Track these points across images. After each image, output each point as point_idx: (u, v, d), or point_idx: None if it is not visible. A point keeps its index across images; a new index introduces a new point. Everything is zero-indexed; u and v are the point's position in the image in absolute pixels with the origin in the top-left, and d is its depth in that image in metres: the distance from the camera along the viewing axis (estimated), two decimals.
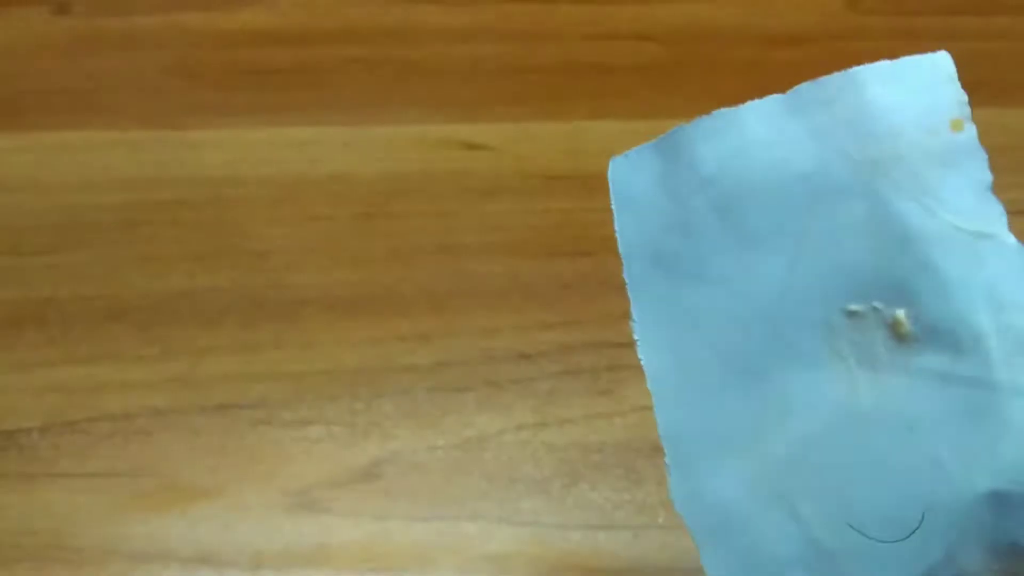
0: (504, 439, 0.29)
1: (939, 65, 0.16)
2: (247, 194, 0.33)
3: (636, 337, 0.17)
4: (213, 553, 0.27)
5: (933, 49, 0.41)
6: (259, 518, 0.28)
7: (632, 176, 0.17)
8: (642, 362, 0.16)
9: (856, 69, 0.16)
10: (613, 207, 0.17)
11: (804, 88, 0.16)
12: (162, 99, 0.36)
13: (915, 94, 0.16)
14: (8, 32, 0.37)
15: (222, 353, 0.30)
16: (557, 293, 0.32)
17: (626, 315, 0.31)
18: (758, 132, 0.16)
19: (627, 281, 0.17)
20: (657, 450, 0.29)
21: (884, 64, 0.16)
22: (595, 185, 0.35)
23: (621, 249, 0.17)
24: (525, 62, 0.37)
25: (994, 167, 0.38)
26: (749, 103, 0.16)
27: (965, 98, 0.15)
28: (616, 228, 0.17)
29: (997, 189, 0.36)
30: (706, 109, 0.40)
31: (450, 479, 0.28)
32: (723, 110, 0.16)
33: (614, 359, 0.30)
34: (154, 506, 0.28)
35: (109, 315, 0.31)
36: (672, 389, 0.16)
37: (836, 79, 0.16)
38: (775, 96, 0.16)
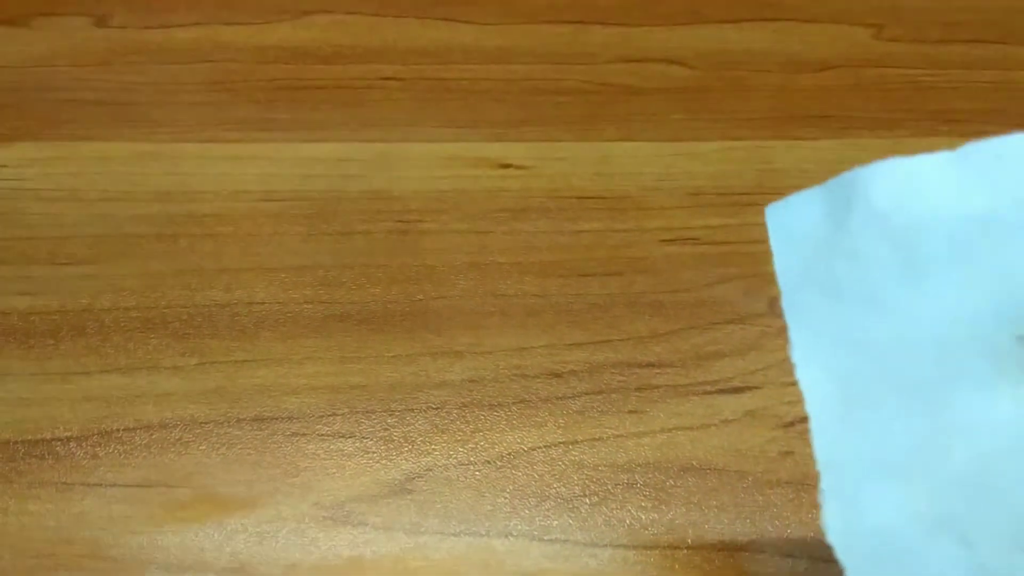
0: (534, 456, 0.29)
1: None
2: (283, 209, 0.34)
3: (795, 360, 0.17)
4: (248, 564, 0.28)
5: (956, 76, 0.41)
6: (294, 530, 0.28)
7: (794, 214, 0.18)
8: (801, 385, 0.16)
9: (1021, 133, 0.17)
10: (772, 243, 0.18)
11: (974, 146, 0.17)
12: (200, 112, 0.36)
13: None
14: (48, 43, 0.38)
15: (258, 366, 0.31)
16: (587, 313, 0.32)
17: (655, 335, 0.32)
18: (932, 176, 0.17)
19: (785, 307, 0.17)
20: (686, 471, 0.29)
21: None
22: (625, 206, 0.36)
23: (780, 280, 0.17)
24: (557, 84, 0.37)
25: None
26: (919, 155, 0.17)
27: None
28: (775, 261, 0.17)
29: None
30: (734, 132, 0.40)
31: (481, 495, 0.29)
32: (896, 158, 0.17)
33: (643, 379, 0.31)
34: (190, 517, 0.28)
35: (147, 326, 0.31)
36: (833, 412, 0.16)
37: (1007, 140, 0.17)
38: (944, 152, 0.17)
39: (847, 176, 0.17)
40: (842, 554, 0.16)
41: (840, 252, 0.17)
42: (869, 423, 0.16)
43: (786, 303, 0.17)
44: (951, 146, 0.37)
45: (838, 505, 0.16)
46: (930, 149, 0.37)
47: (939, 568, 0.16)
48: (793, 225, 0.18)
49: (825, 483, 0.16)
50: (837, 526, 0.16)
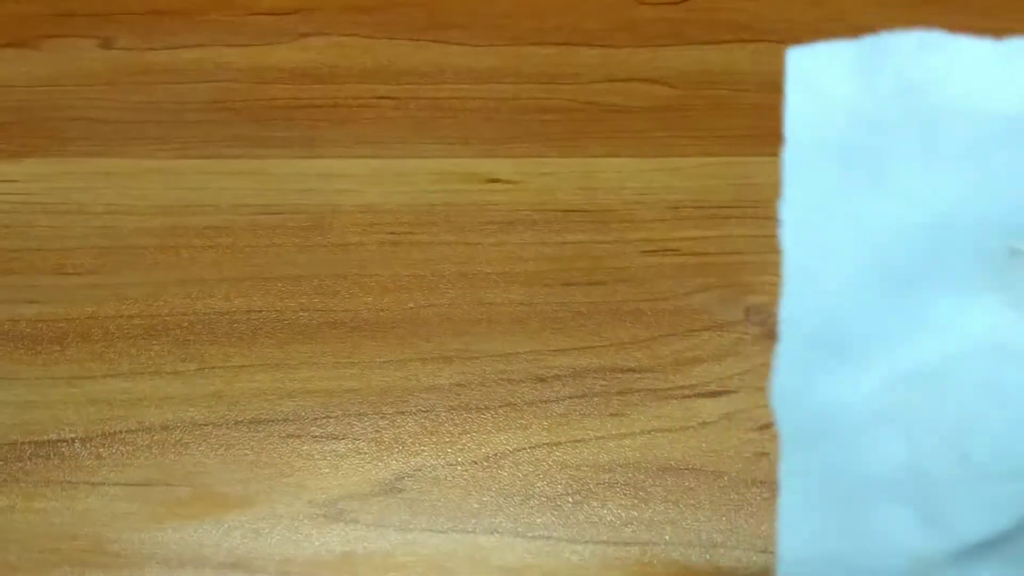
0: (520, 457, 0.31)
1: None
2: (281, 222, 0.35)
3: (783, 216, 0.16)
4: (244, 560, 0.29)
5: None
6: (288, 527, 0.29)
7: (819, 66, 0.16)
8: (783, 245, 0.16)
9: None
10: (788, 90, 0.16)
11: (1020, 41, 0.16)
12: (202, 130, 0.38)
13: None
14: (56, 64, 0.39)
15: (255, 371, 0.32)
16: (571, 320, 0.33)
17: (635, 342, 0.33)
18: (969, 60, 0.16)
19: (786, 163, 0.16)
20: (665, 471, 0.31)
21: None
22: (608, 219, 0.37)
23: (788, 130, 0.16)
24: (544, 102, 0.39)
25: None
26: (967, 36, 0.16)
27: None
28: (788, 111, 0.16)
29: None
30: (713, 149, 0.42)
31: (469, 494, 0.30)
32: (938, 32, 0.16)
33: (625, 383, 0.32)
34: (189, 515, 0.30)
35: (149, 333, 0.33)
36: (809, 278, 0.16)
37: None
38: (988, 39, 0.16)
39: (883, 37, 0.16)
40: (782, 422, 0.16)
41: (859, 117, 0.16)
42: (842, 299, 0.16)
43: (788, 158, 0.16)
44: None
45: (789, 372, 0.15)
46: None
47: (874, 457, 0.15)
48: (813, 76, 0.16)
49: (782, 347, 0.15)
50: (783, 393, 0.15)
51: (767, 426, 0.31)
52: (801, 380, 0.16)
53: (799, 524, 0.15)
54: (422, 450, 0.31)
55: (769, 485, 0.30)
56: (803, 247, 0.16)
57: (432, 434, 0.31)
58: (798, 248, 0.16)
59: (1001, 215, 0.16)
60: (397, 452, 0.31)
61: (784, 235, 0.16)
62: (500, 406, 0.32)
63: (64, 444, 0.31)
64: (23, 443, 0.31)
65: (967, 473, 0.15)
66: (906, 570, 0.15)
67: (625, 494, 0.30)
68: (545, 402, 0.32)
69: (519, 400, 0.32)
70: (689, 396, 0.32)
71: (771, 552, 0.29)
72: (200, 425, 0.31)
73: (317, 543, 0.29)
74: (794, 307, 0.16)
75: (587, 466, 0.31)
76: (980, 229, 0.16)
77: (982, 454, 0.15)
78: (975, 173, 0.16)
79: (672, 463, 0.31)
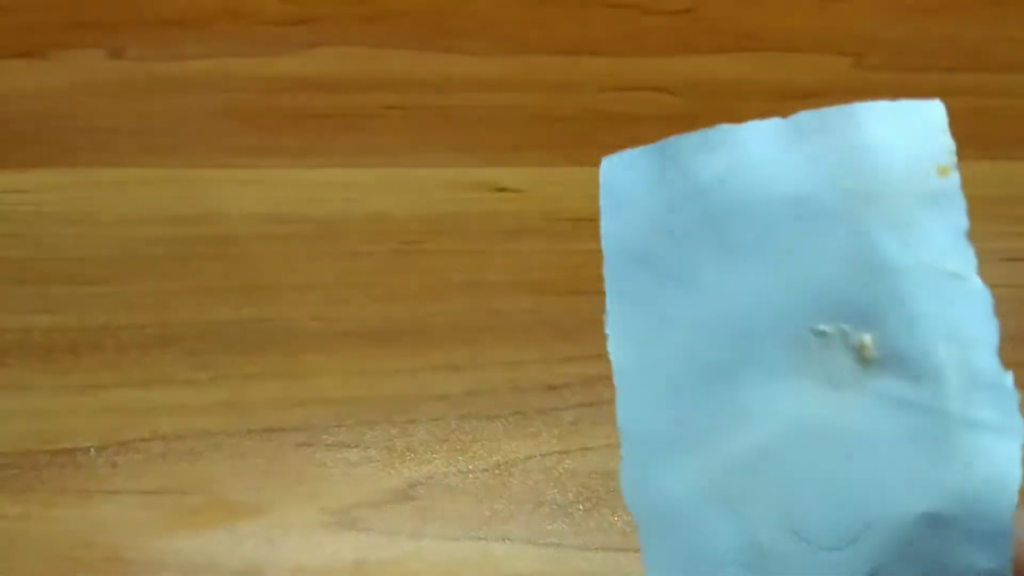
0: (530, 465, 0.31)
1: (933, 112, 0.16)
2: (290, 231, 0.36)
3: (608, 332, 0.17)
4: (257, 567, 0.29)
5: None
6: (301, 535, 0.30)
7: (625, 176, 0.18)
8: (611, 356, 0.17)
9: (856, 105, 0.17)
10: (601, 204, 0.18)
11: (805, 116, 0.17)
12: (210, 140, 0.38)
13: (908, 136, 0.16)
14: (65, 75, 0.40)
15: (267, 379, 0.32)
16: (580, 328, 0.34)
17: None
18: (756, 151, 0.17)
19: (606, 277, 0.18)
20: None
21: (883, 104, 0.17)
22: None
23: (604, 246, 0.18)
24: (552, 111, 0.39)
25: (990, 217, 0.40)
26: (751, 122, 0.17)
27: (953, 146, 0.16)
28: (602, 225, 0.18)
29: (992, 238, 0.38)
30: None
31: (480, 501, 0.30)
32: (726, 125, 0.17)
33: None
34: (203, 522, 0.30)
35: (161, 342, 0.33)
36: (637, 385, 0.17)
37: (836, 112, 0.17)
38: (776, 119, 0.17)
39: (672, 141, 0.17)
40: (636, 516, 0.17)
41: (660, 226, 0.17)
42: (668, 398, 0.17)
43: (607, 270, 0.18)
44: None
45: (634, 472, 0.17)
46: None
47: (716, 540, 0.17)
48: (622, 188, 0.18)
49: (624, 451, 0.17)
50: (632, 491, 0.17)
51: None
52: (642, 475, 0.17)
53: None
54: (433, 458, 0.31)
55: None
56: (625, 355, 0.17)
57: (443, 442, 0.31)
58: (621, 357, 0.17)
59: (802, 297, 0.16)
60: (409, 460, 0.31)
61: (609, 344, 0.17)
62: (510, 414, 0.32)
63: (79, 453, 0.31)
64: (38, 452, 0.31)
65: (799, 546, 0.16)
66: None
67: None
68: (555, 410, 0.32)
69: (529, 408, 0.32)
70: None
71: None
72: (213, 434, 0.31)
73: (329, 551, 0.29)
74: (628, 413, 0.17)
75: (597, 473, 0.31)
76: (784, 314, 0.17)
77: (810, 529, 0.16)
78: (769, 261, 0.17)
79: None
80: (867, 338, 0.16)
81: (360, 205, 0.36)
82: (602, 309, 0.34)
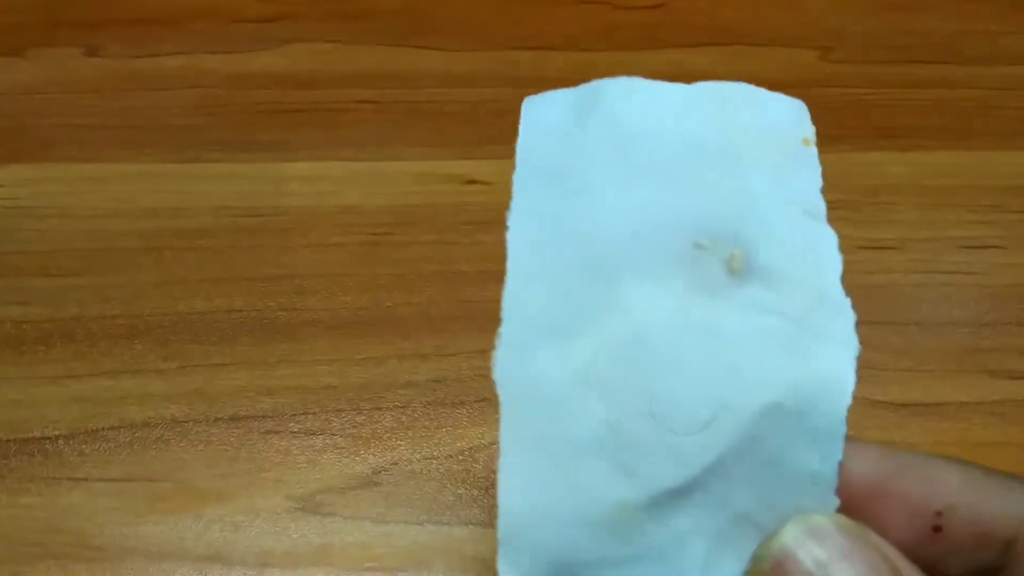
0: (494, 450, 0.31)
1: (800, 106, 0.20)
2: (262, 224, 0.36)
3: (508, 224, 0.19)
4: (224, 553, 0.29)
5: (899, 95, 0.43)
6: (267, 521, 0.30)
7: (545, 108, 0.20)
8: (508, 249, 0.19)
9: (750, 85, 0.20)
10: (520, 128, 0.20)
11: (709, 84, 0.20)
12: (184, 135, 0.38)
13: (783, 113, 0.20)
14: (42, 71, 0.40)
15: (236, 369, 0.33)
16: None
17: None
18: (665, 99, 0.20)
19: (515, 184, 0.19)
20: None
21: (765, 90, 0.20)
22: None
23: (518, 159, 0.19)
24: (521, 105, 0.39)
25: (952, 206, 0.41)
26: (664, 82, 0.20)
27: (814, 131, 0.20)
28: (518, 144, 0.20)
29: (953, 226, 0.39)
30: None
31: (444, 487, 0.31)
32: (640, 78, 0.20)
33: None
34: (170, 509, 0.30)
35: (132, 332, 0.33)
36: (525, 272, 0.19)
37: (733, 85, 0.20)
38: (687, 84, 0.20)
39: (596, 83, 0.20)
40: (501, 391, 0.18)
41: (573, 145, 0.19)
42: (552, 286, 0.19)
43: (517, 177, 0.19)
44: (893, 160, 0.39)
45: (509, 350, 0.18)
46: (872, 163, 0.39)
47: (577, 422, 0.18)
48: (542, 117, 0.20)
49: (503, 330, 0.19)
50: (503, 367, 0.18)
51: None
52: (518, 356, 0.18)
53: (516, 480, 0.18)
54: (398, 444, 0.31)
55: None
56: (520, 244, 0.19)
57: (408, 429, 0.32)
58: (516, 245, 0.19)
59: (685, 215, 0.19)
60: (374, 447, 0.31)
61: (508, 238, 0.19)
62: (476, 401, 0.32)
63: (48, 441, 0.31)
64: (8, 441, 0.31)
65: (655, 430, 0.18)
66: (608, 517, 0.18)
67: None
68: None
69: (494, 395, 0.32)
70: None
71: None
72: (181, 422, 0.32)
73: (295, 535, 0.30)
74: (514, 296, 0.19)
75: None
76: (668, 228, 0.19)
77: (667, 413, 0.18)
78: (661, 183, 0.19)
79: None
80: (737, 252, 0.19)
81: (331, 198, 0.37)
82: None
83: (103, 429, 0.31)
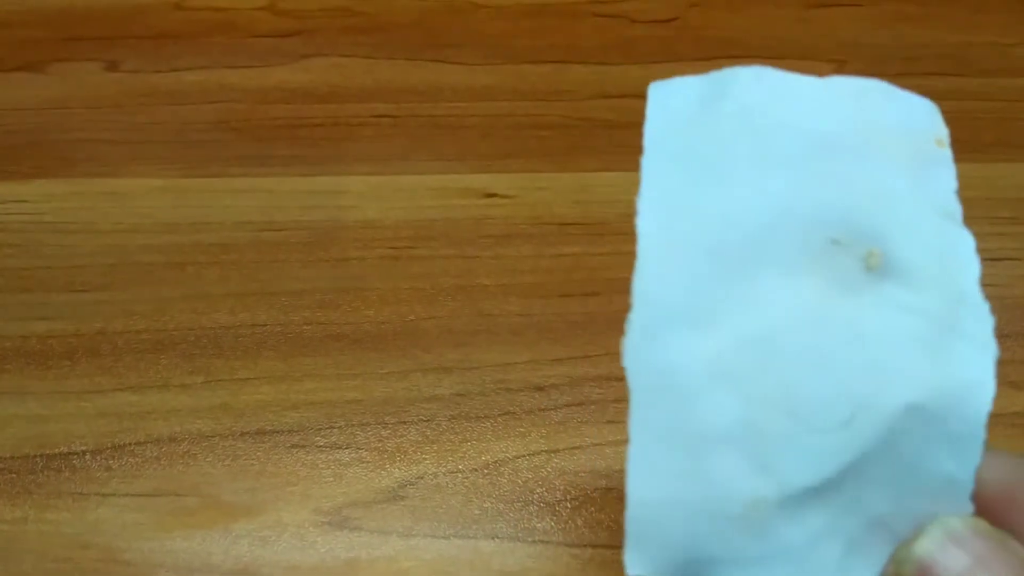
0: (519, 464, 0.32)
1: (931, 105, 0.20)
2: (284, 238, 0.36)
3: (639, 207, 0.18)
4: (251, 567, 0.30)
5: None
6: (294, 535, 0.30)
7: (673, 93, 0.19)
8: (639, 230, 0.18)
9: (885, 83, 0.20)
10: (648, 111, 0.19)
11: (839, 78, 0.19)
12: (206, 150, 0.39)
13: (915, 113, 0.20)
14: (63, 87, 0.40)
15: (261, 383, 0.33)
16: (568, 330, 0.34)
17: None
18: (795, 90, 0.19)
19: (643, 167, 0.19)
20: None
21: (897, 88, 0.20)
22: (603, 231, 0.38)
23: (646, 140, 0.19)
24: (539, 119, 0.40)
25: (969, 218, 0.41)
26: (793, 73, 0.19)
27: (947, 131, 0.19)
28: (645, 126, 0.19)
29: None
30: None
31: (469, 500, 0.31)
32: (770, 68, 0.19)
33: (621, 391, 0.33)
34: (198, 523, 0.30)
35: (157, 347, 0.34)
36: (658, 258, 0.18)
37: (870, 81, 0.20)
38: (819, 77, 0.19)
39: (728, 71, 0.19)
40: (632, 379, 0.18)
41: (704, 132, 0.19)
42: (687, 275, 0.18)
43: (645, 161, 0.19)
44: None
45: (641, 336, 0.18)
46: None
47: (711, 414, 0.17)
48: (670, 103, 0.19)
49: (634, 315, 0.18)
50: (635, 354, 0.18)
51: None
52: (650, 343, 0.18)
53: (646, 471, 0.17)
54: (423, 458, 0.32)
55: None
56: (654, 233, 0.18)
57: (433, 443, 0.32)
58: (650, 234, 0.18)
59: (823, 210, 0.18)
60: (399, 460, 0.31)
61: (639, 223, 0.18)
62: (499, 415, 0.32)
63: (75, 457, 0.32)
64: (35, 456, 0.31)
65: (793, 427, 0.17)
66: (740, 514, 0.17)
67: (622, 499, 0.31)
68: (543, 410, 0.33)
69: (518, 409, 0.32)
70: None
71: None
72: (207, 436, 0.32)
73: (322, 550, 0.30)
74: (647, 281, 0.18)
75: (585, 472, 0.31)
76: (805, 221, 0.18)
77: (806, 409, 0.17)
78: (799, 176, 0.19)
79: None
80: (876, 250, 0.18)
81: (352, 212, 0.37)
82: (589, 312, 0.35)
83: (129, 444, 0.32)
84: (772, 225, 0.18)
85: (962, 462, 0.17)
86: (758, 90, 0.19)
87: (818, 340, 0.18)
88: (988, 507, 0.18)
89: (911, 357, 0.18)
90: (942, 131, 0.19)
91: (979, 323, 0.18)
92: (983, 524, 0.18)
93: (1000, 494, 0.18)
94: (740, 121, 0.19)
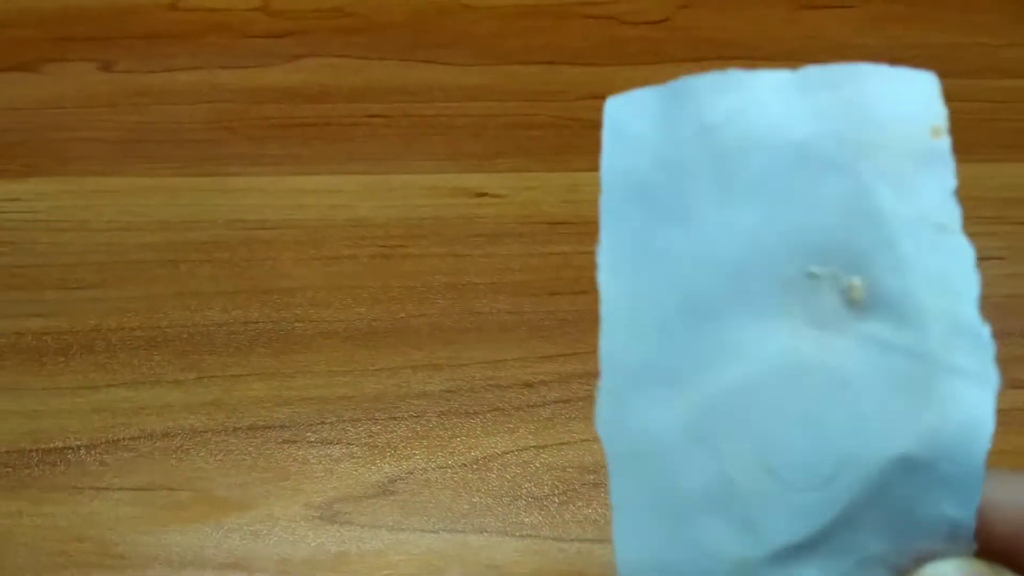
0: (507, 459, 0.32)
1: (928, 81, 0.17)
2: (276, 236, 0.37)
3: (600, 262, 0.17)
4: (243, 560, 0.30)
5: None
6: (285, 529, 0.31)
7: (630, 114, 0.18)
8: (600, 287, 0.17)
9: (861, 64, 0.17)
10: (603, 140, 0.18)
11: (813, 69, 0.17)
12: (198, 149, 0.39)
13: (906, 97, 0.17)
14: (58, 86, 0.41)
15: (253, 379, 0.33)
16: (557, 328, 0.35)
17: None
18: (764, 96, 0.17)
19: (602, 210, 0.17)
20: None
21: (885, 67, 0.17)
22: (592, 230, 0.38)
23: (603, 179, 0.17)
24: (530, 119, 0.40)
25: (965, 218, 0.42)
26: (761, 71, 0.17)
27: (946, 112, 0.17)
28: (602, 160, 0.17)
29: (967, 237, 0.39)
30: None
31: (458, 495, 0.31)
32: (736, 71, 0.17)
33: None
34: (190, 517, 0.31)
35: (150, 344, 0.34)
36: (624, 317, 0.17)
37: (843, 68, 0.17)
38: (786, 70, 0.17)
39: (683, 82, 0.17)
40: (607, 447, 0.17)
41: (661, 161, 0.17)
42: (655, 332, 0.17)
43: (603, 203, 0.17)
44: None
45: (611, 402, 0.17)
46: None
47: (689, 476, 0.17)
48: (628, 129, 0.17)
49: (603, 382, 0.17)
50: (607, 421, 0.17)
51: None
52: (621, 409, 0.17)
53: (631, 536, 0.17)
54: (413, 454, 0.32)
55: None
56: (616, 286, 0.17)
57: (423, 438, 0.32)
58: (612, 287, 0.17)
59: (797, 239, 0.17)
60: (389, 456, 0.32)
61: (600, 280, 0.17)
62: (489, 411, 0.33)
63: (70, 451, 0.32)
64: (30, 451, 0.32)
65: (774, 486, 0.17)
66: (729, 572, 0.17)
67: (609, 494, 0.31)
68: (532, 406, 0.33)
69: (507, 405, 0.33)
70: None
71: None
72: (200, 432, 0.32)
73: (313, 544, 0.30)
74: (613, 344, 0.17)
75: (572, 467, 0.32)
76: (778, 255, 0.17)
77: (786, 468, 0.16)
78: (768, 203, 0.17)
79: None
80: (856, 280, 0.17)
81: (343, 211, 0.37)
82: (578, 309, 0.35)
83: (123, 439, 0.32)
84: (743, 263, 0.17)
85: (961, 504, 0.16)
86: (719, 104, 0.17)
87: (794, 391, 0.17)
88: (1000, 536, 0.17)
89: (896, 403, 0.16)
90: (939, 114, 0.17)
91: (977, 353, 0.16)
92: (980, 564, 0.16)
93: (1014, 527, 0.17)
94: (701, 146, 0.17)
